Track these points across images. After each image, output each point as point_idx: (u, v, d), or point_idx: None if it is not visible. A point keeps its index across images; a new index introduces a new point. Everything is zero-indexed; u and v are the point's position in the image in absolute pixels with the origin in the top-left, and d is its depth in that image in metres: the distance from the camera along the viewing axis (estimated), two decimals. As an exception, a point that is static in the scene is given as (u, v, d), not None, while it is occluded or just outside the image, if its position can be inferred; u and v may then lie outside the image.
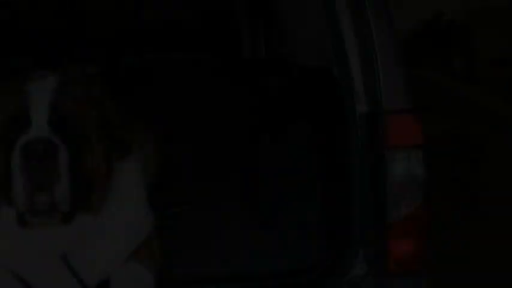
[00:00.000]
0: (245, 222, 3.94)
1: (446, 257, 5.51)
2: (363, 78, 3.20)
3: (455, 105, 6.12)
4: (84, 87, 2.97)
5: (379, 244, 3.18)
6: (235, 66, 5.04)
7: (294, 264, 3.37)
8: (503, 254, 5.80)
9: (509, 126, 5.87)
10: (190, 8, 5.21)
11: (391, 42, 3.15)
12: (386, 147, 3.14)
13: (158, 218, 3.26)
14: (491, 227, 5.90)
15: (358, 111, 3.20)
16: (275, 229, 3.77)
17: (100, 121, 2.96)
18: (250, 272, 3.35)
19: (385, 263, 3.18)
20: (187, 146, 4.46)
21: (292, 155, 3.98)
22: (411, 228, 3.17)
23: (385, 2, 3.19)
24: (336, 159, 3.41)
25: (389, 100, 3.15)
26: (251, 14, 5.22)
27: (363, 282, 3.19)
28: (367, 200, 3.18)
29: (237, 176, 4.51)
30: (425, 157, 3.17)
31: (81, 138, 2.86)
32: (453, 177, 6.19)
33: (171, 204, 4.00)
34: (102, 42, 5.01)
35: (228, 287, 3.26)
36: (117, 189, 3.01)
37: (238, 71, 4.92)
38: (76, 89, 2.93)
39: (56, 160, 2.72)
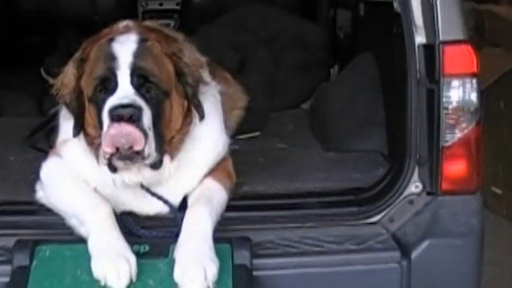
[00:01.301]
0: (312, 147, 4.21)
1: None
2: (423, 12, 3.42)
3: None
4: (161, 43, 3.29)
5: (434, 165, 3.42)
6: (306, 2, 5.29)
7: (357, 182, 3.66)
8: None
9: None
10: None
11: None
12: (443, 75, 3.37)
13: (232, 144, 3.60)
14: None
15: (417, 42, 3.42)
16: (341, 152, 4.03)
17: (177, 75, 3.30)
18: (316, 189, 3.63)
19: (438, 182, 3.43)
20: (259, 77, 4.74)
21: (358, 84, 4.25)
22: (464, 150, 3.41)
23: None
24: (397, 87, 3.65)
25: (446, 32, 3.38)
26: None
27: (418, 199, 3.46)
28: (423, 124, 3.42)
29: (309, 104, 4.80)
30: (479, 85, 3.40)
31: (161, 95, 3.20)
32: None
33: (243, 131, 4.26)
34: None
35: (292, 202, 3.57)
36: (200, 132, 3.37)
37: (309, 7, 5.17)
38: (153, 47, 3.26)
39: (141, 121, 3.08)
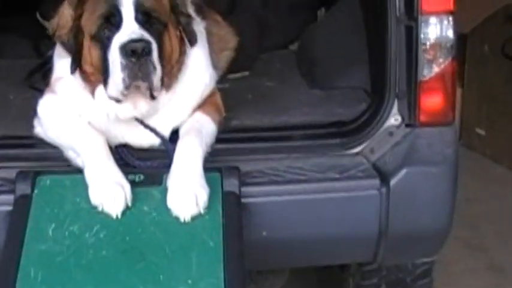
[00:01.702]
0: (299, 84, 4.39)
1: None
2: (403, -46, 3.57)
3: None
4: None
5: (412, 98, 3.62)
6: None
7: (341, 116, 3.85)
8: None
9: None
10: None
11: None
12: (421, 12, 3.54)
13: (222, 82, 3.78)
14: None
15: (397, -18, 3.59)
16: (327, 89, 4.21)
17: (172, 9, 3.45)
18: (301, 122, 3.83)
19: (416, 114, 3.63)
20: (249, 19, 4.88)
21: (342, 25, 4.41)
22: (440, 84, 3.60)
23: None
24: (378, 26, 3.81)
25: (424, -28, 3.54)
26: None
27: (397, 131, 3.65)
28: (402, 60, 3.61)
29: (296, 45, 4.96)
30: (455, 22, 3.57)
31: (161, 28, 3.36)
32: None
33: (233, 71, 4.43)
34: None
35: (278, 134, 3.76)
36: (188, 64, 3.54)
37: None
38: None
39: (151, 55, 3.24)
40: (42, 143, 3.64)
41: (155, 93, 3.36)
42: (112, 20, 3.31)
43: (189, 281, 3.09)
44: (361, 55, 4.17)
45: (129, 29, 3.28)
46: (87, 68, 3.42)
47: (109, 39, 3.30)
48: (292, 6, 5.07)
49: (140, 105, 3.42)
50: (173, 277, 3.11)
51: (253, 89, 4.24)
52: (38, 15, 5.33)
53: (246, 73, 4.52)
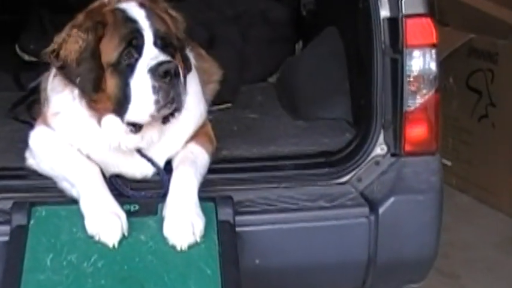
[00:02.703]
0: (282, 116, 4.49)
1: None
2: (387, -13, 3.71)
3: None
4: (161, 9, 3.51)
5: (398, 128, 3.74)
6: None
7: (327, 146, 3.96)
8: None
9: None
10: None
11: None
12: (405, 46, 3.67)
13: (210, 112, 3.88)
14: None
15: (382, 16, 3.71)
16: (309, 120, 4.32)
17: (177, 35, 3.52)
18: (290, 152, 3.92)
19: (402, 144, 3.74)
20: (229, 52, 4.99)
21: (322, 56, 4.53)
22: (424, 115, 3.73)
23: None
24: (361, 58, 3.94)
25: (408, 6, 3.68)
26: None
27: (384, 160, 3.76)
28: (388, 91, 3.73)
29: (275, 78, 5.08)
30: (438, 55, 3.72)
31: (174, 53, 3.42)
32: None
33: (216, 103, 4.52)
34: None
35: (269, 164, 3.85)
36: None
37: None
38: (154, 9, 3.46)
39: (180, 76, 3.31)
40: (35, 174, 3.66)
41: (176, 115, 3.40)
42: (134, 43, 3.33)
43: (189, 309, 3.14)
44: (341, 86, 4.30)
45: (152, 53, 3.33)
46: (99, 95, 3.40)
47: (131, 66, 3.33)
48: (271, 39, 5.21)
49: (147, 134, 3.47)
50: (173, 305, 3.15)
51: (238, 121, 4.34)
52: (17, 48, 5.36)
53: (229, 105, 4.59)
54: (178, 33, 3.53)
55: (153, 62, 3.28)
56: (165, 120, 3.44)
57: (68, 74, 3.44)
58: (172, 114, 3.40)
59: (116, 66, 3.35)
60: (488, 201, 6.60)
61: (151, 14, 3.41)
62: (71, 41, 3.39)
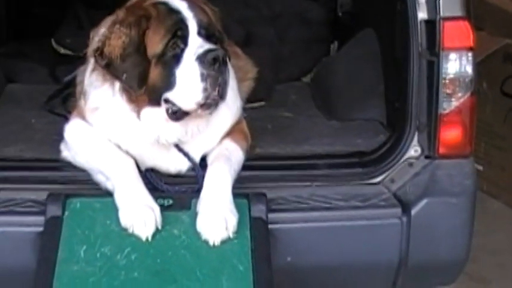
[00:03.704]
0: (316, 116, 4.50)
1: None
2: (425, -11, 3.71)
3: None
4: (202, 1, 3.54)
5: (432, 131, 3.73)
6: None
7: (360, 147, 3.96)
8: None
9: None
10: None
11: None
12: (442, 48, 3.67)
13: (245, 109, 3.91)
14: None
15: (419, 18, 3.71)
16: (343, 121, 4.32)
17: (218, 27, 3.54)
18: (323, 152, 3.93)
19: (436, 147, 3.74)
20: (264, 51, 5.01)
21: (358, 58, 4.54)
22: (459, 118, 3.72)
23: None
24: (397, 61, 3.94)
25: (446, 9, 3.67)
26: None
27: (417, 162, 3.76)
28: (423, 93, 3.72)
29: (310, 77, 5.09)
30: (474, 58, 3.71)
31: (216, 42, 3.44)
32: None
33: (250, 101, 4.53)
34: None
35: (302, 163, 3.86)
36: None
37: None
38: (199, 4, 3.50)
39: (226, 63, 3.34)
40: (70, 166, 3.71)
41: (221, 102, 3.40)
42: (179, 33, 3.36)
43: (221, 304, 3.16)
44: (376, 88, 4.30)
45: (197, 42, 3.36)
46: (143, 89, 3.41)
47: (177, 56, 3.36)
48: (307, 40, 5.22)
49: (188, 127, 3.50)
50: (204, 299, 3.16)
51: (272, 119, 4.35)
52: (53, 42, 5.42)
53: (263, 103, 4.61)
54: (218, 25, 3.55)
55: (201, 50, 3.31)
56: (207, 110, 3.42)
57: (113, 71, 3.45)
58: (216, 104, 3.40)
59: (161, 58, 3.38)
60: (519, 207, 6.57)
61: (193, 6, 3.45)
62: (114, 37, 3.40)
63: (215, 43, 3.42)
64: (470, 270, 5.36)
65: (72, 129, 3.74)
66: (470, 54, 3.70)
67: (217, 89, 3.33)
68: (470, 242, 3.75)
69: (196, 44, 3.35)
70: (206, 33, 3.41)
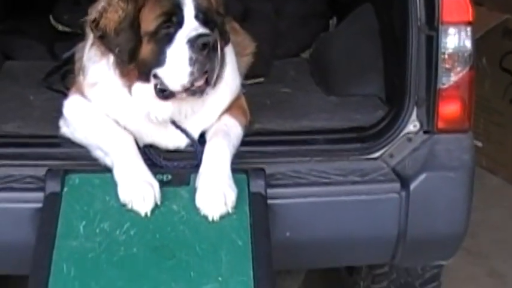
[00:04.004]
0: (314, 91, 4.49)
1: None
2: (423, -37, 3.69)
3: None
4: None
5: (431, 106, 3.73)
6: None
7: (359, 122, 3.96)
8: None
9: None
10: None
11: None
12: (441, 23, 3.65)
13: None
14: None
15: (417, -8, 3.70)
16: (342, 96, 4.32)
17: (218, 10, 3.53)
18: (322, 127, 3.93)
19: (435, 121, 3.74)
20: (263, 26, 4.99)
21: (357, 33, 4.53)
22: (458, 93, 3.72)
23: None
24: (396, 36, 3.93)
25: (444, -18, 3.65)
26: None
27: (416, 137, 3.76)
28: (422, 68, 3.71)
29: (308, 53, 5.07)
30: (473, 33, 3.69)
31: (214, 28, 3.44)
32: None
33: (249, 77, 4.52)
34: None
35: (301, 138, 3.86)
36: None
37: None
38: None
39: (217, 50, 3.33)
40: (69, 142, 3.71)
41: (209, 88, 3.42)
42: (174, 19, 3.36)
43: (220, 279, 3.17)
44: (375, 63, 4.29)
45: (192, 25, 3.35)
46: (133, 64, 3.43)
47: (169, 36, 3.35)
48: (305, 15, 5.20)
49: (181, 106, 3.51)
50: (203, 274, 3.18)
51: (270, 95, 4.34)
52: (51, 18, 5.40)
53: (262, 79, 4.60)
54: (219, 8, 3.54)
55: (193, 34, 3.31)
56: (193, 95, 3.44)
57: (107, 44, 3.46)
58: (201, 92, 3.41)
59: (153, 36, 3.38)
60: (517, 183, 6.58)
61: None
62: (111, 10, 3.42)
63: (212, 29, 3.41)
64: (469, 245, 5.38)
65: (71, 105, 3.74)
66: (469, 28, 3.68)
67: (204, 76, 3.34)
68: (469, 216, 3.75)
69: (190, 27, 3.35)
70: (204, 17, 3.40)
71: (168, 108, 3.49)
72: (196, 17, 3.39)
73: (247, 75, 4.40)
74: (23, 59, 4.92)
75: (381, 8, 4.27)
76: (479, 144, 6.75)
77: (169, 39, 3.35)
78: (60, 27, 5.35)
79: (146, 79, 3.43)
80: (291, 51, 5.10)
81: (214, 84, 3.46)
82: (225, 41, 3.60)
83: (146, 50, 3.40)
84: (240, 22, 4.62)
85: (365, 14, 4.49)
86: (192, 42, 3.29)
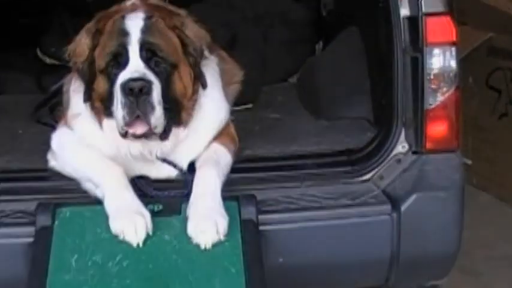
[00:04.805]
0: (303, 115, 4.51)
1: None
2: (406, -14, 3.73)
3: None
4: (165, 19, 3.53)
5: (419, 126, 3.74)
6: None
7: (348, 145, 3.98)
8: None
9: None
10: None
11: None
12: (425, 44, 3.68)
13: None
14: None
15: (402, 15, 3.73)
16: (331, 120, 4.33)
17: (182, 46, 3.53)
18: (311, 151, 3.94)
19: (423, 142, 3.75)
20: (250, 53, 5.01)
21: (343, 56, 4.55)
22: (445, 112, 3.74)
23: None
24: (382, 58, 3.96)
25: (428, 5, 3.69)
26: None
27: (405, 158, 3.78)
28: (408, 89, 3.74)
29: (296, 78, 5.09)
30: (458, 53, 3.72)
31: (169, 68, 3.44)
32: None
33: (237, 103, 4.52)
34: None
35: (291, 163, 3.87)
36: (204, 100, 3.63)
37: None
38: (158, 23, 3.49)
39: (151, 94, 3.33)
40: (59, 175, 3.71)
41: (156, 131, 3.40)
42: (119, 58, 3.40)
43: (214, 308, 3.16)
44: (362, 86, 4.32)
45: (133, 67, 3.37)
46: (96, 99, 3.50)
47: (116, 76, 3.39)
48: (291, 40, 5.22)
49: (151, 144, 3.50)
50: (198, 304, 3.17)
51: (260, 121, 4.36)
52: (38, 51, 5.41)
53: (250, 105, 4.61)
54: (190, 47, 3.54)
55: (126, 77, 3.33)
56: (137, 140, 3.44)
57: (78, 74, 3.58)
58: (146, 137, 3.42)
59: (104, 73, 3.44)
60: (509, 200, 6.57)
61: (150, 27, 3.45)
62: (79, 44, 3.53)
63: (163, 70, 3.42)
64: (461, 263, 5.37)
65: (59, 138, 3.75)
66: (453, 48, 3.71)
67: (139, 121, 3.34)
68: (461, 235, 3.76)
69: (132, 69, 3.36)
70: (150, 55, 3.41)
71: (136, 147, 3.50)
72: (141, 56, 3.39)
73: (236, 102, 4.39)
74: (11, 93, 4.92)
75: (366, 31, 4.30)
76: (469, 162, 6.76)
77: (115, 79, 3.38)
78: (48, 60, 5.35)
79: (111, 116, 3.44)
80: (279, 76, 5.12)
81: (166, 132, 3.46)
82: (202, 83, 3.58)
83: (98, 87, 3.46)
84: (228, 49, 4.62)
85: (350, 38, 4.51)
86: (123, 85, 3.32)
